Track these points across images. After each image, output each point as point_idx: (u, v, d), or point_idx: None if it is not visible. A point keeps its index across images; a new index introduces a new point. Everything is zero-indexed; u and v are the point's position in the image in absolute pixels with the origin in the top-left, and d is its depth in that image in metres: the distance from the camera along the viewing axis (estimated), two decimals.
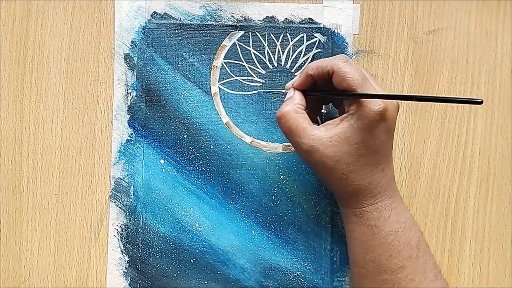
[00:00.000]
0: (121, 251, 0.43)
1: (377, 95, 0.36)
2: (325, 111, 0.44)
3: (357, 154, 0.37)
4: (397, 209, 0.38)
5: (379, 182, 0.38)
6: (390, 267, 0.37)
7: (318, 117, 0.43)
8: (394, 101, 0.38)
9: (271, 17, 0.45)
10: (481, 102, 0.30)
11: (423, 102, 0.45)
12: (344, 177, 0.37)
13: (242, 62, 0.44)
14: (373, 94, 0.36)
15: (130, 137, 0.44)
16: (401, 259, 0.37)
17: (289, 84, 0.41)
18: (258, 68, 0.44)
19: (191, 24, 0.44)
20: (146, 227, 0.43)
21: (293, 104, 0.39)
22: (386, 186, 0.38)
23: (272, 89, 0.44)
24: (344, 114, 0.38)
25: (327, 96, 0.40)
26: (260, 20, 0.45)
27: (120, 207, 0.44)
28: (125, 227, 0.43)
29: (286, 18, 0.45)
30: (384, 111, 0.36)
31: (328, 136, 0.37)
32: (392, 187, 0.39)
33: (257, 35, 0.45)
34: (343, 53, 0.44)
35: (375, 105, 0.36)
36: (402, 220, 0.38)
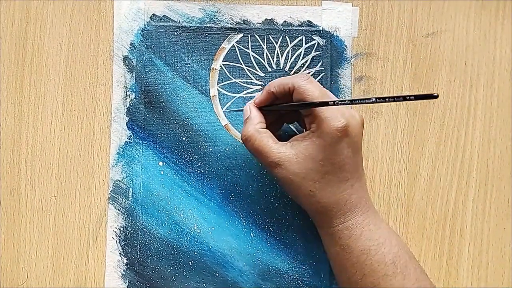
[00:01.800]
0: (120, 253, 0.43)
1: (324, 102, 0.36)
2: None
3: (322, 171, 0.37)
4: (370, 225, 0.38)
5: (348, 199, 0.38)
6: (365, 286, 0.37)
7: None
8: (357, 116, 0.38)
9: (270, 19, 0.45)
10: (436, 97, 0.30)
11: (423, 107, 0.45)
12: (312, 194, 0.37)
13: (241, 64, 0.44)
14: (322, 102, 0.36)
15: (129, 139, 0.44)
16: (376, 277, 0.36)
17: (254, 99, 0.41)
18: (257, 71, 0.44)
19: (190, 26, 0.44)
20: (145, 229, 0.43)
21: (255, 125, 0.39)
22: (356, 203, 0.38)
23: (231, 109, 0.44)
24: (306, 132, 0.38)
25: (281, 109, 0.40)
26: (259, 23, 0.45)
27: (118, 209, 0.44)
28: (123, 229, 0.43)
29: (285, 21, 0.45)
30: (345, 127, 0.36)
31: (293, 153, 0.37)
32: (364, 204, 0.38)
33: (256, 37, 0.45)
34: (342, 56, 0.45)
35: (336, 121, 0.36)
36: (375, 237, 0.37)
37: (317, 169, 0.37)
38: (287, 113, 0.42)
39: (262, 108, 0.40)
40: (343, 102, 0.35)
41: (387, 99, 0.32)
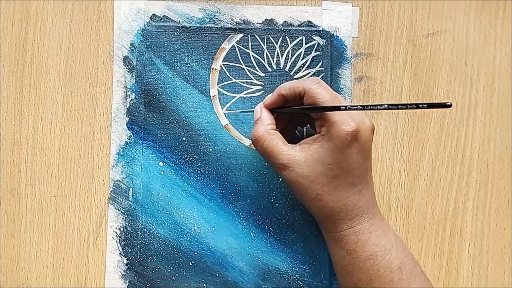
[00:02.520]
0: (120, 253, 0.43)
1: (336, 107, 0.36)
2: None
3: (330, 175, 0.37)
4: (377, 231, 0.38)
5: (356, 205, 0.37)
6: None
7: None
8: (367, 121, 0.38)
9: (270, 19, 0.45)
10: (450, 106, 0.30)
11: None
12: (319, 198, 0.37)
13: (241, 64, 0.44)
14: (334, 107, 0.36)
15: (129, 139, 0.44)
16: (382, 283, 0.36)
17: (264, 101, 0.41)
18: (257, 71, 0.44)
19: (190, 26, 0.44)
20: (145, 230, 0.43)
21: (265, 126, 0.39)
22: (364, 209, 0.38)
23: (242, 110, 0.44)
24: (316, 135, 0.38)
25: (292, 112, 0.40)
26: (259, 23, 0.45)
27: (118, 210, 0.44)
28: (123, 229, 0.43)
29: (285, 21, 0.45)
30: (355, 132, 0.36)
31: (302, 155, 0.37)
32: (371, 210, 0.38)
33: (256, 37, 0.45)
34: (342, 56, 0.45)
35: (346, 126, 0.36)
36: (382, 243, 0.37)
37: (326, 173, 0.37)
38: (298, 116, 0.42)
39: (273, 110, 0.40)
40: (354, 108, 0.34)
41: (399, 106, 0.32)
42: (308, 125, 0.43)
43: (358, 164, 0.37)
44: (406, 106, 0.32)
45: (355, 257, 0.37)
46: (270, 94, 0.40)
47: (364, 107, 0.34)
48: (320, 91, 0.37)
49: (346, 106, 0.35)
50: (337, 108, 0.36)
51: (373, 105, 0.34)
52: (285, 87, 0.39)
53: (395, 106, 0.33)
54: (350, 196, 0.37)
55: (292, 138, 0.42)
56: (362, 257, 0.37)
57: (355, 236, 0.37)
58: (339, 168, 0.37)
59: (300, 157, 0.37)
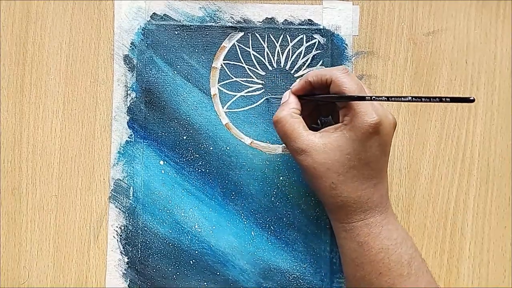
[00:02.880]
0: (121, 252, 0.43)
1: (361, 97, 0.36)
2: (326, 120, 0.44)
3: (348, 164, 0.37)
4: (389, 225, 0.38)
5: (370, 198, 0.37)
6: (380, 285, 0.37)
7: (318, 121, 0.43)
8: (390, 117, 0.38)
9: (270, 18, 0.45)
10: (473, 100, 0.30)
11: (423, 106, 0.45)
12: (333, 187, 0.37)
13: (242, 63, 0.44)
14: (360, 96, 0.36)
15: (130, 138, 0.44)
16: (392, 277, 0.37)
17: (291, 87, 0.41)
18: (258, 70, 0.44)
19: (190, 25, 0.44)
20: (146, 228, 0.43)
21: (289, 109, 0.39)
22: (377, 202, 0.38)
23: (277, 96, 0.44)
24: (339, 124, 0.38)
25: (319, 100, 0.40)
26: (259, 21, 0.45)
27: (119, 208, 0.44)
28: (124, 228, 0.43)
29: (286, 19, 0.45)
30: (378, 125, 0.36)
31: (321, 142, 0.37)
32: (384, 204, 0.38)
33: (256, 36, 0.45)
34: (343, 54, 0.45)
35: (369, 117, 0.36)
36: (394, 237, 0.37)
37: (343, 162, 0.37)
38: (323, 105, 0.42)
39: (300, 96, 0.40)
40: (379, 98, 0.34)
41: (423, 99, 0.32)
42: (330, 116, 0.43)
43: (376, 157, 0.37)
44: (429, 99, 0.32)
45: (366, 250, 0.37)
46: (297, 81, 0.41)
47: (388, 98, 0.34)
48: (347, 80, 0.37)
49: (371, 97, 0.35)
50: (363, 98, 0.36)
51: (397, 97, 0.34)
52: (313, 74, 0.39)
53: (419, 99, 0.33)
54: (365, 188, 0.37)
55: (313, 127, 0.42)
56: (374, 249, 0.37)
57: (367, 228, 0.37)
58: (357, 159, 0.37)
59: (319, 143, 0.37)
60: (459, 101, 0.31)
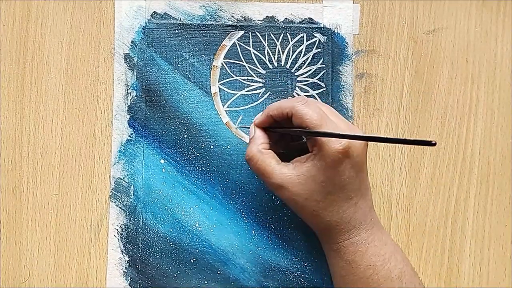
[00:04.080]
0: (121, 251, 0.43)
1: (323, 133, 0.36)
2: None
3: (324, 191, 0.37)
4: (375, 241, 0.38)
5: (352, 217, 0.37)
6: None
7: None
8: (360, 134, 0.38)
9: (271, 17, 0.45)
10: (434, 144, 0.29)
11: (424, 104, 0.45)
12: (315, 214, 0.38)
13: (242, 62, 0.44)
14: (321, 133, 0.36)
15: (130, 137, 0.44)
16: None
17: (254, 120, 0.41)
18: (258, 68, 0.44)
19: (191, 24, 0.44)
20: (146, 227, 0.43)
21: (258, 145, 0.39)
22: (361, 220, 0.38)
23: (244, 125, 0.44)
24: (308, 154, 0.38)
25: (283, 132, 0.40)
26: (260, 20, 0.45)
27: (120, 207, 0.44)
28: (125, 227, 0.43)
29: (286, 18, 0.45)
30: (346, 149, 0.36)
31: (295, 174, 0.37)
32: (369, 220, 0.38)
33: (257, 35, 0.45)
34: (343, 53, 0.45)
35: (336, 143, 0.36)
36: (381, 253, 0.37)
37: (319, 190, 0.37)
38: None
39: (267, 128, 0.40)
40: (341, 136, 0.35)
41: (381, 139, 0.33)
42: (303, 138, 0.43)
43: (351, 178, 0.37)
44: (390, 141, 0.32)
45: (354, 267, 0.37)
46: (260, 113, 0.40)
47: (350, 137, 0.35)
48: (306, 111, 0.37)
49: (330, 133, 0.35)
50: (324, 134, 0.36)
51: (352, 136, 0.34)
52: (273, 108, 0.39)
53: (377, 139, 0.34)
54: (346, 209, 0.37)
55: (287, 150, 0.42)
56: (362, 267, 0.37)
57: (353, 247, 0.38)
58: (332, 185, 0.37)
59: (293, 176, 0.37)
60: (421, 144, 0.30)
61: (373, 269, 0.37)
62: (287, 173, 0.37)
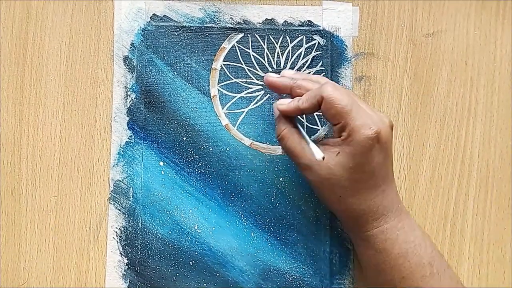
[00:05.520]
0: (120, 253, 0.43)
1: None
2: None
3: (352, 178, 0.37)
4: (405, 228, 0.37)
5: (380, 205, 0.37)
6: None
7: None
8: (386, 120, 0.37)
9: (270, 19, 0.45)
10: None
11: (423, 107, 0.45)
12: (342, 200, 0.37)
13: (242, 64, 0.44)
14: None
15: (130, 139, 0.44)
16: (415, 279, 0.36)
17: (278, 104, 0.40)
18: (258, 71, 0.44)
19: (190, 26, 0.44)
20: (145, 230, 0.43)
21: (287, 123, 0.39)
22: (389, 208, 0.37)
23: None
24: (336, 139, 0.37)
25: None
26: (259, 23, 0.45)
27: (119, 209, 0.44)
28: (124, 229, 0.43)
29: (286, 21, 0.45)
30: (377, 135, 0.36)
31: (325, 157, 0.37)
32: (396, 207, 0.38)
33: (256, 37, 0.45)
34: (342, 56, 0.45)
35: (367, 129, 0.36)
36: (411, 239, 0.37)
37: (347, 176, 0.36)
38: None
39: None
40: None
41: None
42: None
43: (380, 165, 0.37)
44: None
45: (385, 256, 0.37)
46: (284, 100, 0.39)
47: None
48: (336, 96, 0.36)
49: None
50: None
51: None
52: (303, 100, 0.38)
53: None
54: (373, 197, 0.37)
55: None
56: (393, 255, 0.37)
57: (383, 235, 0.37)
58: (361, 172, 0.36)
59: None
60: None
61: (404, 257, 0.37)
62: None
